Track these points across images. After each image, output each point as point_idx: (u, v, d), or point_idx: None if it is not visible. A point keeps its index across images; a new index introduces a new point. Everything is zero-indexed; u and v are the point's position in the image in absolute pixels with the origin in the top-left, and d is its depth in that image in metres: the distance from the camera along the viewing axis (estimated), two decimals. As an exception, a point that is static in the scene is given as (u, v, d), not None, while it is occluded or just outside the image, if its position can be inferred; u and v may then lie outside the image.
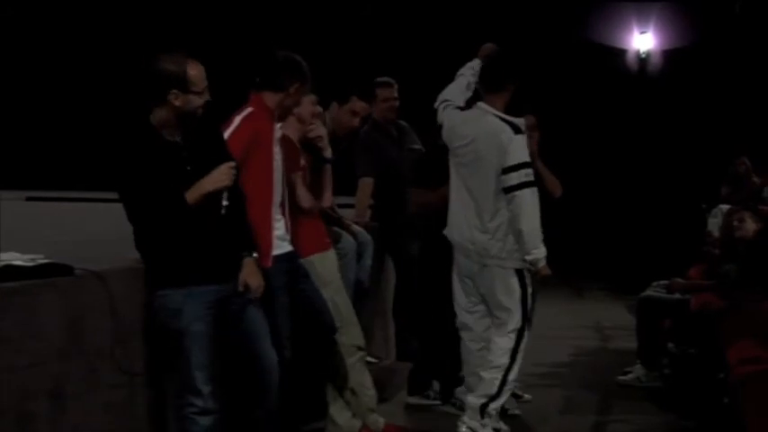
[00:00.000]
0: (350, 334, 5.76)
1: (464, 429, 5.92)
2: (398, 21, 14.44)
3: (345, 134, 6.55)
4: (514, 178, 5.79)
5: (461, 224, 6.00)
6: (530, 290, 5.98)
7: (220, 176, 4.46)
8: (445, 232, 6.11)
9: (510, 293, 5.93)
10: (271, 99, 5.17)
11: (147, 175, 4.33)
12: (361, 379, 5.85)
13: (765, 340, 5.93)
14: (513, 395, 6.77)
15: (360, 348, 5.85)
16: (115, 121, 4.69)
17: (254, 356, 4.74)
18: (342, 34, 13.88)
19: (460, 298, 6.16)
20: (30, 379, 3.75)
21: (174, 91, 4.39)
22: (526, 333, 6.01)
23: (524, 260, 5.88)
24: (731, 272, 7.19)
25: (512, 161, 5.79)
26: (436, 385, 6.84)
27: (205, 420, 4.43)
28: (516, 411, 6.64)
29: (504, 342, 5.95)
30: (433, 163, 6.53)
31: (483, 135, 5.89)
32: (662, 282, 7.97)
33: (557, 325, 10.00)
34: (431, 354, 6.84)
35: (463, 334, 6.23)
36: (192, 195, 4.37)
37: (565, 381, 7.82)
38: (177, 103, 4.40)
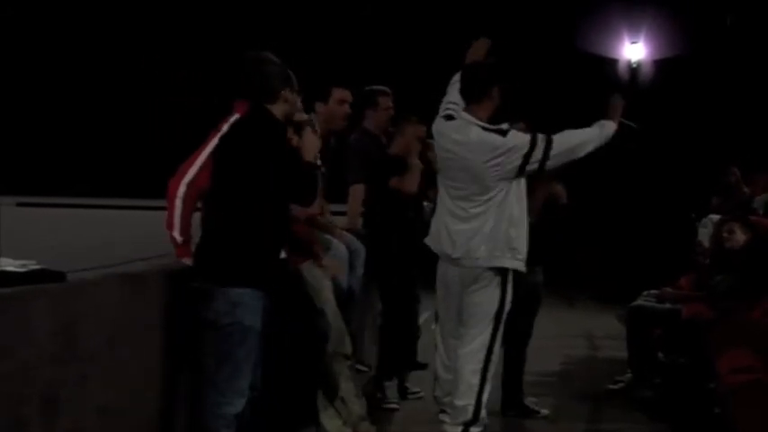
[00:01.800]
0: (338, 342, 5.76)
1: None
2: (398, 21, 14.45)
3: (342, 126, 6.65)
4: (536, 153, 5.63)
5: (443, 233, 5.82)
6: (507, 306, 5.74)
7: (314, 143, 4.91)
8: (428, 242, 5.95)
9: (489, 304, 5.72)
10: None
11: (272, 171, 4.60)
12: (349, 387, 5.85)
13: (755, 350, 5.94)
14: (530, 411, 7.00)
15: (347, 357, 5.85)
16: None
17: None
18: (342, 34, 13.88)
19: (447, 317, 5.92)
20: (22, 384, 3.74)
21: (288, 88, 4.75)
22: (496, 349, 5.74)
23: (517, 259, 5.69)
24: (721, 282, 7.20)
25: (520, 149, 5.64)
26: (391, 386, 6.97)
27: (234, 424, 4.60)
28: (545, 411, 6.97)
29: (472, 362, 5.69)
30: None
31: (470, 146, 5.72)
32: (652, 291, 7.99)
33: (547, 334, 9.98)
34: (393, 354, 6.93)
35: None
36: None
37: (555, 390, 7.83)
38: (290, 99, 4.78)
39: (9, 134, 14.71)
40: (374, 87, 7.42)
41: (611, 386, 7.76)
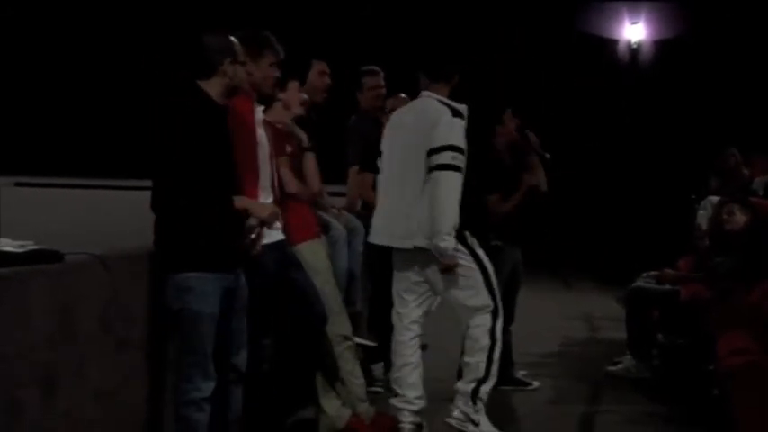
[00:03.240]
0: (337, 323, 5.75)
1: (457, 414, 5.89)
2: (398, 21, 14.41)
3: (324, 99, 6.76)
4: (441, 158, 5.62)
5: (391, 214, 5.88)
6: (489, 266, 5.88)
7: (266, 213, 4.77)
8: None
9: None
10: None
11: (196, 147, 4.43)
12: (349, 368, 5.85)
13: (754, 332, 5.94)
14: (522, 383, 7.14)
15: (347, 338, 5.85)
16: (163, 92, 4.70)
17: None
18: (342, 34, 13.85)
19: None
20: (19, 366, 3.73)
21: (228, 60, 4.57)
22: (500, 313, 5.91)
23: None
24: (721, 264, 7.20)
25: (438, 142, 5.64)
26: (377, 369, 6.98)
27: (206, 407, 4.51)
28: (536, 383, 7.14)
29: (482, 320, 5.85)
30: (503, 170, 7.15)
31: (418, 118, 5.81)
32: (652, 272, 7.99)
33: (546, 316, 10.02)
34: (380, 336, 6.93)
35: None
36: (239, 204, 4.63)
37: (554, 371, 7.83)
38: (229, 72, 4.58)
39: (7, 114, 14.69)
40: (362, 68, 7.41)
41: (610, 368, 7.77)
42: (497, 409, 6.51)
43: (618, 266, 11.56)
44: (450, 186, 5.64)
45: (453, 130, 5.70)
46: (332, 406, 5.77)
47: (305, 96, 5.84)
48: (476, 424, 5.88)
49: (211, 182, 4.46)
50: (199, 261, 4.47)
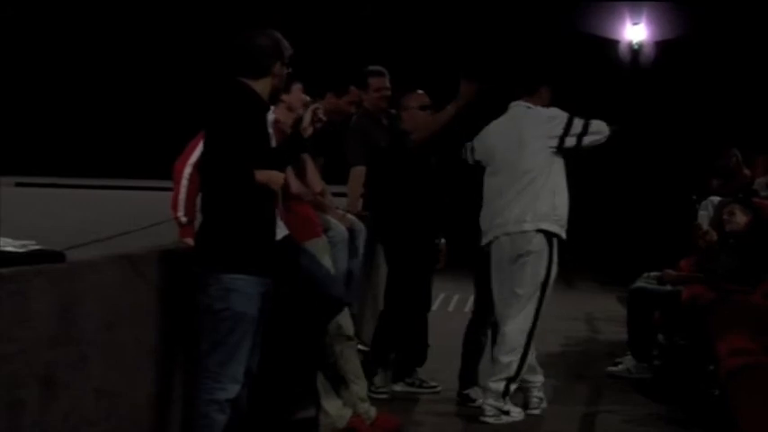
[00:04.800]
0: (339, 324, 5.75)
1: (490, 410, 6.20)
2: (398, 21, 14.40)
3: (341, 120, 6.81)
4: None
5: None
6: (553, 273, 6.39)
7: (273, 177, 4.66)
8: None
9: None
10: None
11: (250, 147, 4.50)
12: (350, 368, 5.85)
13: (755, 332, 5.95)
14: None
15: (349, 338, 5.85)
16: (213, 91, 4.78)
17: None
18: (342, 34, 13.84)
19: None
20: (20, 366, 3.73)
21: (278, 63, 4.66)
22: (541, 313, 6.37)
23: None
24: (722, 264, 7.20)
25: None
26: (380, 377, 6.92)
27: (227, 410, 4.58)
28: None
29: (520, 323, 6.25)
30: None
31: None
32: (653, 273, 7.99)
33: (547, 315, 9.96)
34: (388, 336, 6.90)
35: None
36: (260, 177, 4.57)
37: (555, 371, 7.81)
38: (278, 74, 4.68)
39: (8, 114, 14.68)
40: (368, 68, 7.38)
41: (611, 368, 7.77)
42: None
43: (620, 266, 11.56)
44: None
45: None
46: (333, 406, 5.78)
47: (308, 98, 5.83)
48: (507, 413, 6.24)
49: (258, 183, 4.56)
50: (246, 263, 4.55)
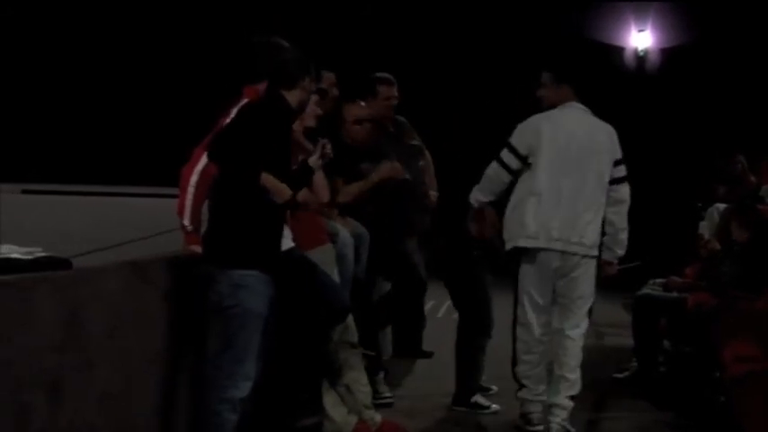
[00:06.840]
0: (343, 331, 5.75)
1: (558, 429, 6.06)
2: (398, 21, 14.41)
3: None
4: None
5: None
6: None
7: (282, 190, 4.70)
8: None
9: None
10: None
11: (273, 149, 4.63)
12: (355, 375, 5.85)
13: (760, 339, 5.95)
14: (481, 388, 6.87)
15: (353, 345, 5.85)
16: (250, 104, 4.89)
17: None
18: (342, 34, 13.86)
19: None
20: (26, 372, 3.74)
21: (308, 77, 4.80)
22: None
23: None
24: (727, 272, 7.19)
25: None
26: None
27: (238, 410, 4.62)
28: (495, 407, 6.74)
29: (580, 340, 6.19)
30: None
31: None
32: (659, 280, 7.99)
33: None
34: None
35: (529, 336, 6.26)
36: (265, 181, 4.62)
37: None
38: (307, 88, 4.83)
39: (13, 122, 14.71)
40: (376, 75, 7.37)
41: (617, 374, 7.77)
42: (503, 415, 6.52)
43: (625, 273, 11.52)
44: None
45: None
46: (338, 413, 5.77)
47: (319, 110, 5.83)
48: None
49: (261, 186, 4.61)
50: (256, 259, 4.60)
